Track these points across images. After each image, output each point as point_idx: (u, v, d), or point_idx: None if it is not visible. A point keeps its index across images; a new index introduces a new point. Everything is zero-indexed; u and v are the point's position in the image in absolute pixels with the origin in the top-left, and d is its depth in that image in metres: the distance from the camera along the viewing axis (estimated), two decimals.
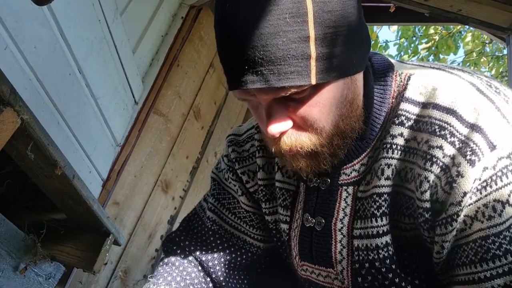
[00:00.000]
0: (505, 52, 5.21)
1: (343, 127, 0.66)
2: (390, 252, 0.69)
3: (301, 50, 0.58)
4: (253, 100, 0.65)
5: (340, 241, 0.74)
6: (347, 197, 0.74)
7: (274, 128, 0.63)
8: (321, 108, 0.63)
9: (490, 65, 5.93)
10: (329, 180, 0.76)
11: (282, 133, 0.65)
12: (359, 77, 0.69)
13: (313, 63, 0.59)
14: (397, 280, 0.70)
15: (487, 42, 5.72)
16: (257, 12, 0.57)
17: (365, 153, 0.72)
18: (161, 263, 0.92)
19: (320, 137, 0.65)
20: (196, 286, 0.87)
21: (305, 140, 0.65)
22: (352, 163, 0.73)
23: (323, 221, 0.76)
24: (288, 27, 0.57)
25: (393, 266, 0.70)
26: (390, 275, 0.70)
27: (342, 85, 0.64)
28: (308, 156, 0.67)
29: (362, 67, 0.67)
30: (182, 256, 0.92)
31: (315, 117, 0.63)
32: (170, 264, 0.90)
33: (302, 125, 0.65)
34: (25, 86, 1.33)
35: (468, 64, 5.87)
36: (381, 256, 0.70)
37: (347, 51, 0.61)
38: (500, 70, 5.82)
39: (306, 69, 0.58)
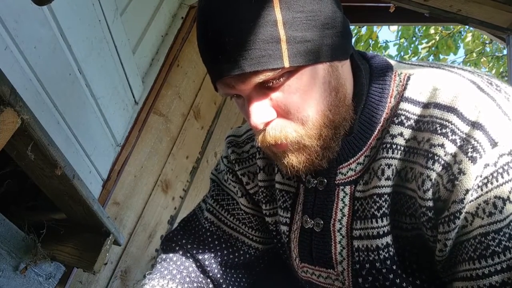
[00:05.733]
0: (505, 52, 5.21)
1: (331, 117, 0.65)
2: (391, 253, 0.69)
3: (270, 33, 0.59)
4: (235, 94, 0.65)
5: (340, 242, 0.74)
6: (344, 197, 0.73)
7: (256, 118, 0.63)
8: (302, 94, 0.63)
9: (490, 65, 5.93)
10: (325, 181, 0.75)
11: (267, 125, 0.64)
12: (343, 67, 0.68)
13: (284, 46, 0.59)
14: (398, 280, 0.69)
15: (487, 42, 5.72)
16: (225, 3, 0.60)
17: (361, 151, 0.72)
18: (159, 260, 0.93)
19: (306, 127, 0.64)
20: (193, 280, 0.87)
21: (290, 132, 0.64)
22: (348, 162, 0.73)
23: (322, 222, 0.75)
24: (254, 12, 0.58)
25: (394, 267, 0.69)
26: (391, 276, 0.69)
27: (321, 71, 0.63)
28: (296, 150, 0.66)
29: (343, 56, 0.67)
30: (181, 253, 0.92)
31: (297, 105, 0.63)
32: (168, 260, 0.91)
33: (285, 115, 0.64)
34: (25, 86, 1.33)
35: (468, 64, 5.87)
36: (381, 257, 0.69)
37: (321, 36, 0.62)
38: (500, 70, 5.82)
39: (277, 52, 0.59)
